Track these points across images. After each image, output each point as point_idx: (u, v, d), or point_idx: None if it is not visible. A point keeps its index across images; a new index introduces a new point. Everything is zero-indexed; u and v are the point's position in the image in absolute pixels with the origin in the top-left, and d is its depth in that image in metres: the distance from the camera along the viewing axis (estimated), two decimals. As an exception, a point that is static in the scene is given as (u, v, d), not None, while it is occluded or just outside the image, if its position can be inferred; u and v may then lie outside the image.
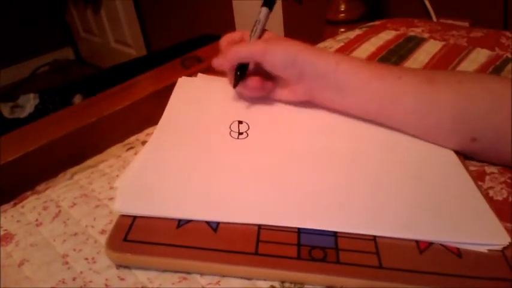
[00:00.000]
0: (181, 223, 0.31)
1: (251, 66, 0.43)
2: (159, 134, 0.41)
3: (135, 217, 0.31)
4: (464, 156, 0.39)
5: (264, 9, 0.44)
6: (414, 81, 0.38)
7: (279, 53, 0.39)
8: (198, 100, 0.47)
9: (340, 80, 0.39)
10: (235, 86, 0.42)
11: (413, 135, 0.40)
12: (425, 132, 0.39)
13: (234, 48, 0.41)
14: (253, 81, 0.42)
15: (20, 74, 2.17)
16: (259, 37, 0.44)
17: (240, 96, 0.46)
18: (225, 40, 0.45)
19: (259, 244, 0.29)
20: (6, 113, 1.06)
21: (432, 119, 0.38)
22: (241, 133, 0.41)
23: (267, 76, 0.43)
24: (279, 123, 0.43)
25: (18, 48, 2.18)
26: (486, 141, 0.36)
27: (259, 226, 0.31)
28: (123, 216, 0.32)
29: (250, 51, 0.41)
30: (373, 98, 0.39)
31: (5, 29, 2.08)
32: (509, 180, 0.36)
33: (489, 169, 0.38)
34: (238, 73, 0.42)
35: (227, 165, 0.37)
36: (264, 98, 0.45)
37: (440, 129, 0.38)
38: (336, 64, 0.38)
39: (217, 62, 0.43)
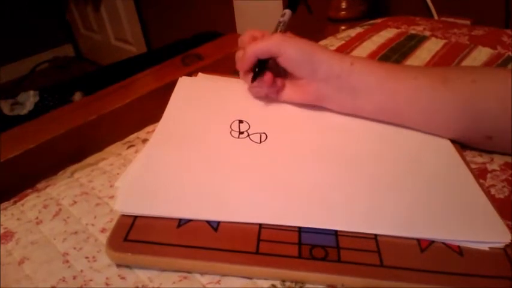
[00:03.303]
0: (181, 222, 0.31)
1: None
2: (160, 134, 0.41)
3: (135, 217, 0.31)
4: (465, 148, 0.39)
5: (288, 11, 0.45)
6: (429, 81, 0.38)
7: (296, 47, 0.39)
8: (199, 100, 0.46)
9: (354, 80, 0.39)
10: (253, 81, 0.42)
11: (425, 132, 0.40)
12: (439, 130, 0.39)
13: (251, 45, 0.41)
14: (267, 76, 0.42)
15: (20, 71, 2.17)
16: None
17: (251, 93, 0.45)
18: (245, 37, 0.45)
19: (260, 243, 0.29)
20: (6, 110, 1.06)
21: (447, 119, 0.38)
22: (242, 132, 0.41)
23: (278, 75, 0.43)
24: (279, 123, 0.43)
25: (18, 45, 2.18)
26: (502, 138, 0.37)
27: (260, 225, 0.31)
28: (123, 216, 0.31)
29: (267, 45, 0.40)
30: (388, 98, 0.39)
31: (5, 26, 2.08)
32: (510, 178, 0.36)
33: (491, 166, 0.38)
34: (257, 69, 0.42)
35: (227, 165, 0.37)
36: (266, 98, 0.45)
37: (455, 128, 0.38)
38: (350, 64, 0.39)
39: (239, 65, 0.43)
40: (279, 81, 0.43)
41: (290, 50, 0.39)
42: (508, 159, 0.38)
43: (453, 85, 0.37)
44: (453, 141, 0.39)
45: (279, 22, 0.45)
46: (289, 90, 0.44)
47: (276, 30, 0.45)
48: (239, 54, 0.44)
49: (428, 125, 0.39)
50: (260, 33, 0.45)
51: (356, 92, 0.40)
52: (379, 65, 0.40)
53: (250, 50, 0.41)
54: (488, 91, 0.36)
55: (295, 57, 0.40)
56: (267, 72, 0.42)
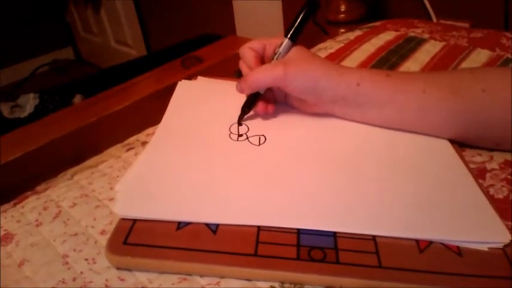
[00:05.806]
0: (180, 225, 0.31)
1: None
2: (159, 137, 0.41)
3: (135, 220, 0.31)
4: (464, 147, 0.39)
5: (287, 42, 0.41)
6: (438, 94, 0.38)
7: (299, 79, 0.39)
8: (198, 103, 0.47)
9: (361, 99, 0.39)
10: (239, 121, 0.43)
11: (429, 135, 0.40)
12: (447, 137, 0.40)
13: (254, 76, 0.40)
14: (259, 108, 0.43)
15: (20, 73, 2.17)
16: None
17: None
18: (246, 51, 0.43)
19: (258, 245, 0.29)
20: (6, 112, 1.06)
21: (456, 128, 0.38)
22: (241, 135, 0.41)
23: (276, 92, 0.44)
24: (278, 125, 0.43)
25: (18, 48, 2.18)
26: (510, 144, 0.37)
27: (259, 227, 0.31)
28: (123, 219, 0.32)
29: (270, 78, 0.40)
30: (397, 112, 0.39)
31: (5, 28, 2.08)
32: (509, 177, 0.36)
33: (490, 165, 0.38)
34: (249, 102, 0.43)
35: (226, 167, 0.37)
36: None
37: (464, 136, 0.39)
38: (357, 85, 0.38)
39: (239, 88, 0.42)
40: (270, 108, 0.43)
41: (295, 83, 0.39)
42: (507, 156, 0.38)
43: (463, 96, 0.37)
44: (452, 141, 0.40)
45: (277, 53, 0.41)
46: (298, 104, 0.44)
47: (272, 59, 0.42)
48: (240, 87, 0.42)
49: (436, 133, 0.40)
50: (261, 44, 0.43)
51: (364, 107, 0.40)
52: (387, 78, 0.39)
53: (254, 80, 0.40)
54: (498, 100, 0.36)
55: (300, 88, 0.39)
56: (259, 103, 0.43)
